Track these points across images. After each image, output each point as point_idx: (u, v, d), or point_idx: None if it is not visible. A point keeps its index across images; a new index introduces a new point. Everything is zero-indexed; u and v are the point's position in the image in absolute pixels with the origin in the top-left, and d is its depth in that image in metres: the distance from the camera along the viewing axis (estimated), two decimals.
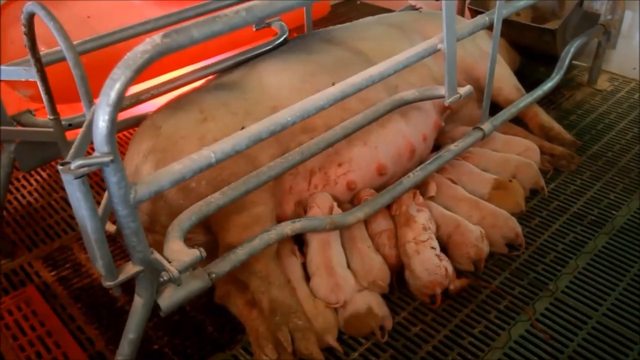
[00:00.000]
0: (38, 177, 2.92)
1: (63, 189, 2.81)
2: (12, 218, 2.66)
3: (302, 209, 2.24)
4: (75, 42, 1.82)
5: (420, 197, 2.32)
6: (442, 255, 2.14)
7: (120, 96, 1.26)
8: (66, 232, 2.57)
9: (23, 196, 2.80)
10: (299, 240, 2.22)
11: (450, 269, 2.10)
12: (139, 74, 1.27)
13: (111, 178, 1.34)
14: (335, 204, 2.20)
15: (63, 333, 2.08)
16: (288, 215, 2.21)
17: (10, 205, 2.73)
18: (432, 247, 2.14)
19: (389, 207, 2.31)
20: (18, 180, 2.90)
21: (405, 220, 2.21)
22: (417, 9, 3.38)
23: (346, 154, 2.29)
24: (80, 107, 2.45)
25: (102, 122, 1.27)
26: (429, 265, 2.08)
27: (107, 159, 1.29)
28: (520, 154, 2.68)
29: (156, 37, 1.29)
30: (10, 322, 2.13)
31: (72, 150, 1.45)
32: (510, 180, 2.52)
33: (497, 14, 2.25)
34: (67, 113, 2.20)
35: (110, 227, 1.95)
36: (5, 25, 2.75)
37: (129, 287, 1.62)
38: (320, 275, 2.06)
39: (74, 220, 2.60)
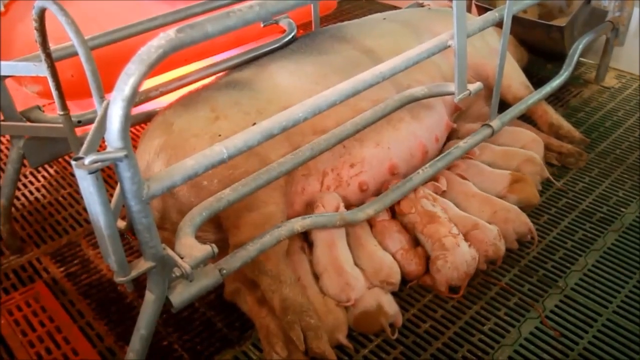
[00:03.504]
0: (46, 174, 2.92)
1: (71, 185, 2.82)
2: (20, 214, 2.66)
3: (312, 210, 2.23)
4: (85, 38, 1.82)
5: (422, 191, 2.32)
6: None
7: (135, 91, 1.25)
8: (74, 228, 2.57)
9: (31, 192, 2.80)
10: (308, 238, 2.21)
11: None
12: (153, 69, 1.26)
13: (124, 173, 1.34)
14: (342, 204, 2.19)
15: (72, 329, 2.09)
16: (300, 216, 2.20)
17: (18, 202, 2.73)
18: (463, 239, 2.17)
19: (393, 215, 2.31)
20: (26, 176, 2.90)
21: (429, 219, 2.21)
22: (423, 6, 3.37)
23: (358, 154, 2.29)
24: (85, 105, 2.48)
25: (116, 117, 1.27)
26: (468, 257, 2.12)
27: (120, 154, 1.29)
28: (524, 146, 2.68)
29: (170, 32, 1.28)
30: (19, 318, 2.13)
31: (84, 146, 1.44)
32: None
33: (507, 10, 2.24)
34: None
35: (120, 224, 1.95)
36: (14, 21, 2.75)
37: (137, 282, 1.62)
38: (330, 275, 2.06)
39: (82, 216, 2.62)
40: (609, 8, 3.27)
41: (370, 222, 2.26)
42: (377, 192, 2.36)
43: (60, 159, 2.93)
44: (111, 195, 1.90)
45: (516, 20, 2.70)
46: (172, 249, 1.55)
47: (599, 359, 1.92)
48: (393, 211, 2.32)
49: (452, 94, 2.20)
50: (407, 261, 2.16)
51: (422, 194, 2.30)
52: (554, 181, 2.65)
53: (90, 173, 1.29)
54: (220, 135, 1.98)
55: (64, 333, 2.07)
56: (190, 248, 1.54)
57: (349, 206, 2.25)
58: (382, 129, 2.32)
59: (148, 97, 2.25)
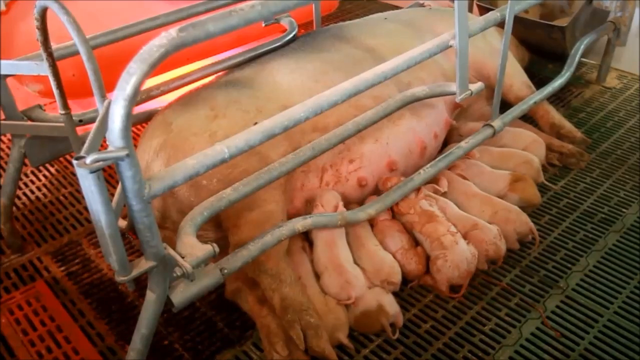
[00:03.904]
0: (47, 173, 2.92)
1: (72, 184, 2.82)
2: (21, 213, 2.66)
3: (311, 208, 2.23)
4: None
5: (423, 192, 2.32)
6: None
7: (136, 90, 1.25)
8: (75, 228, 2.57)
9: (32, 191, 2.80)
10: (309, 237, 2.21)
11: None
12: (154, 68, 1.26)
13: (126, 173, 1.34)
14: (341, 203, 2.19)
15: (73, 328, 2.08)
16: (299, 212, 2.20)
17: (19, 201, 2.73)
18: (462, 237, 2.17)
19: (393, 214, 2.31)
20: (27, 175, 2.90)
21: (428, 218, 2.21)
22: (424, 6, 3.36)
23: (357, 150, 2.29)
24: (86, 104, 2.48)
25: (117, 116, 1.27)
26: (467, 255, 2.12)
27: (122, 153, 1.29)
28: (527, 147, 2.68)
29: (172, 31, 1.28)
30: (20, 317, 2.13)
31: (86, 145, 1.44)
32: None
33: (509, 10, 2.24)
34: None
35: (121, 223, 1.95)
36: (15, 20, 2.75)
37: (138, 282, 1.61)
38: (330, 273, 2.06)
39: (83, 216, 2.62)
40: (610, 8, 3.27)
41: (371, 222, 2.26)
42: (376, 188, 2.36)
43: (61, 158, 2.93)
44: (112, 195, 1.89)
45: (518, 20, 2.70)
46: (173, 248, 1.55)
47: (599, 359, 1.91)
48: (393, 211, 2.32)
49: (453, 93, 2.20)
50: (407, 260, 2.16)
51: (422, 195, 2.30)
52: (550, 186, 2.64)
53: (92, 172, 1.29)
54: (219, 134, 1.98)
55: (64, 332, 2.07)
56: (192, 247, 1.54)
57: (347, 202, 2.26)
58: (381, 125, 2.31)
59: (149, 96, 2.25)
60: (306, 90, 2.18)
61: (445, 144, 2.71)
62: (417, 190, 2.30)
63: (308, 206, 2.19)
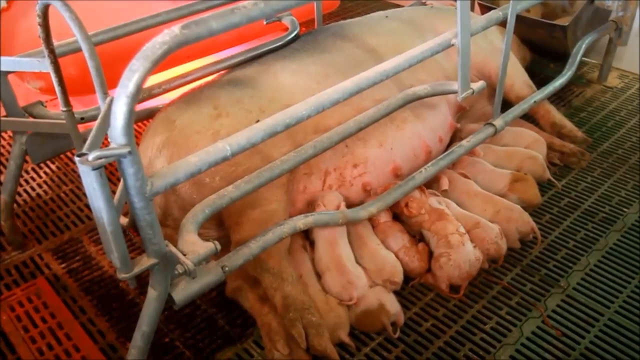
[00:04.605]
0: (47, 170, 2.92)
1: (72, 181, 2.82)
2: (22, 210, 2.66)
3: (313, 209, 2.23)
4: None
5: (426, 191, 2.32)
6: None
7: (139, 87, 1.25)
8: (76, 225, 2.57)
9: (33, 188, 2.80)
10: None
11: None
12: (157, 65, 1.26)
13: (128, 170, 1.34)
14: (343, 203, 2.18)
15: (74, 325, 2.09)
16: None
17: (20, 198, 2.73)
18: (469, 239, 2.17)
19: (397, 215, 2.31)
20: (27, 172, 2.90)
21: (438, 216, 2.21)
22: (426, 4, 3.36)
23: (362, 154, 2.28)
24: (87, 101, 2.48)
25: (120, 114, 1.26)
26: (471, 257, 2.12)
27: (124, 150, 1.29)
28: (528, 146, 2.68)
29: (175, 28, 1.28)
30: (21, 313, 2.13)
31: (88, 142, 1.44)
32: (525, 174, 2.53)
33: (511, 9, 2.23)
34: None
35: (122, 220, 1.95)
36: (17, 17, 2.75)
37: (139, 279, 1.61)
38: (332, 273, 2.05)
39: (84, 213, 2.62)
40: (612, 8, 3.27)
41: (372, 224, 2.25)
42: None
43: (62, 155, 2.92)
44: (113, 192, 1.89)
45: (519, 19, 2.70)
46: (174, 245, 1.55)
47: (600, 358, 1.92)
48: (394, 214, 2.31)
49: (455, 92, 2.20)
50: (410, 258, 2.16)
51: (428, 193, 2.30)
52: (555, 182, 2.64)
53: (94, 169, 1.29)
54: (222, 133, 1.98)
55: (65, 329, 2.07)
56: (193, 245, 1.54)
57: (351, 207, 2.25)
58: (385, 128, 2.32)
59: (151, 94, 2.25)
60: (308, 92, 2.16)
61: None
62: (421, 190, 2.30)
63: (310, 209, 2.19)
